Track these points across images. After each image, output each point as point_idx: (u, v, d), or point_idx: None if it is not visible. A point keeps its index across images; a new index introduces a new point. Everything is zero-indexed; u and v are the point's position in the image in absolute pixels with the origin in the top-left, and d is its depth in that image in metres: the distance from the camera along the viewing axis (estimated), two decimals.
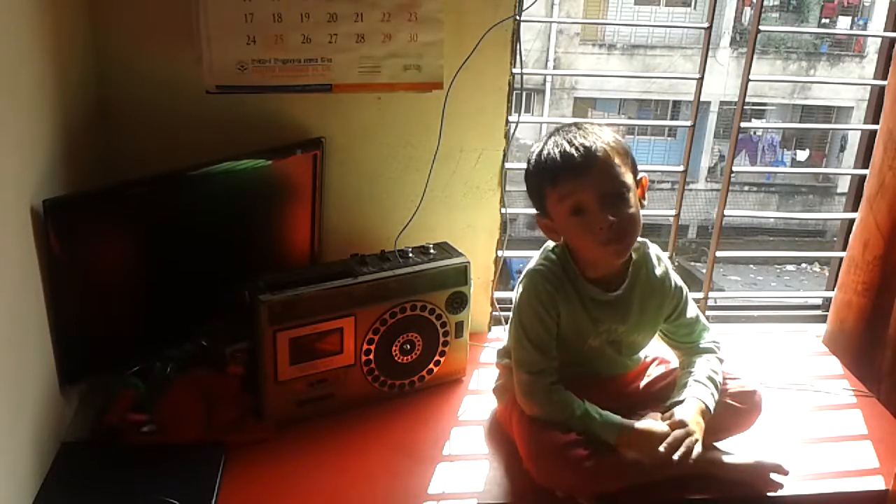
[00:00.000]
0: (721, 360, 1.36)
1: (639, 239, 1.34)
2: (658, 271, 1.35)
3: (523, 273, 1.33)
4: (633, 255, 1.33)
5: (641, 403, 1.35)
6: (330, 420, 1.41)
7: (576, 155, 1.19)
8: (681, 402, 1.26)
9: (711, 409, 1.26)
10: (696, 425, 1.22)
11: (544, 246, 1.35)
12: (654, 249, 1.37)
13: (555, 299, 1.28)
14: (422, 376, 1.52)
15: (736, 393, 1.33)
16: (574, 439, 1.22)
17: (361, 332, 1.41)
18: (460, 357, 1.57)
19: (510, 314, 1.37)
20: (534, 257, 1.35)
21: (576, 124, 1.26)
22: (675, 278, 1.38)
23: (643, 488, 1.23)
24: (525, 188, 1.30)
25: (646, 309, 1.34)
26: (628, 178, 1.22)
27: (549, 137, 1.25)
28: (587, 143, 1.20)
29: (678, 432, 1.20)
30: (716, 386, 1.30)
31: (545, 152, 1.23)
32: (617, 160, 1.21)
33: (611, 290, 1.31)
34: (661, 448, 1.18)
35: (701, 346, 1.38)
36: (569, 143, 1.21)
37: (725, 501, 1.28)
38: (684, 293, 1.39)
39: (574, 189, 1.20)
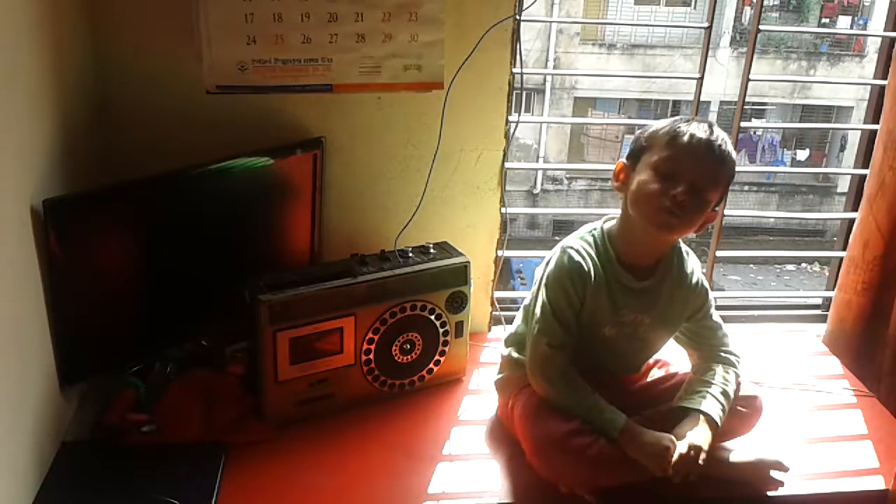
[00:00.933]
0: (738, 376, 1.35)
1: None
2: (687, 268, 1.36)
3: (559, 245, 1.34)
4: (666, 251, 1.34)
5: (641, 404, 1.35)
6: (330, 420, 1.41)
7: (713, 143, 1.23)
8: (691, 409, 1.27)
9: (719, 423, 1.26)
10: (704, 439, 1.22)
11: (585, 225, 1.37)
12: (685, 248, 1.39)
13: (584, 277, 1.29)
14: (422, 376, 1.52)
15: (738, 397, 1.33)
16: (576, 428, 1.22)
17: (361, 332, 1.41)
18: (460, 357, 1.57)
19: (527, 297, 1.39)
20: (573, 233, 1.36)
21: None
22: (703, 278, 1.39)
23: (643, 487, 1.22)
24: (632, 140, 1.32)
25: (672, 302, 1.35)
26: (714, 196, 1.26)
27: (697, 120, 1.27)
28: (726, 148, 1.25)
29: (683, 448, 1.20)
30: (728, 401, 1.30)
31: (686, 123, 1.26)
32: (724, 178, 1.26)
33: (642, 279, 1.32)
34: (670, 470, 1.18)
35: (721, 354, 1.37)
36: (714, 132, 1.25)
37: (726, 501, 1.28)
38: (710, 295, 1.40)
39: (685, 161, 1.23)
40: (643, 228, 1.28)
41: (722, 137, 1.25)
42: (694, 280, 1.37)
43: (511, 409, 1.36)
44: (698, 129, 1.24)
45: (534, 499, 1.27)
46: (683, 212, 1.22)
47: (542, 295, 1.31)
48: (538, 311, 1.32)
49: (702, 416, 1.25)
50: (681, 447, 1.20)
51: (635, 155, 1.29)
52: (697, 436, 1.22)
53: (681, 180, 1.22)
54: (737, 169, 1.29)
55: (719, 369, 1.34)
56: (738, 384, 1.35)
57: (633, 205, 1.28)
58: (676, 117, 1.29)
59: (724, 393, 1.30)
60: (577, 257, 1.29)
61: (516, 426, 1.33)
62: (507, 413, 1.39)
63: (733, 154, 1.27)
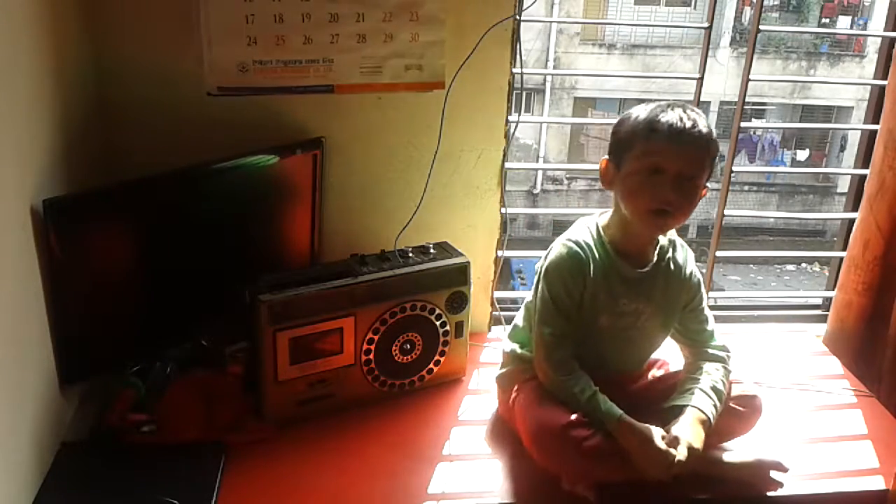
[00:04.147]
0: (729, 371, 1.36)
1: None
2: (681, 258, 1.38)
3: (558, 240, 1.35)
4: (660, 240, 1.35)
5: (641, 404, 1.34)
6: (330, 420, 1.41)
7: (690, 128, 1.22)
8: (683, 407, 1.27)
9: (712, 420, 1.26)
10: (696, 438, 1.22)
11: (581, 219, 1.38)
12: (679, 240, 1.40)
13: (583, 267, 1.30)
14: (422, 376, 1.52)
15: (737, 396, 1.34)
16: (576, 420, 1.23)
17: (361, 332, 1.41)
18: (460, 357, 1.57)
19: (528, 295, 1.39)
20: (570, 228, 1.37)
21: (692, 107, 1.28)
22: (696, 270, 1.40)
23: (642, 486, 1.22)
24: (611, 135, 1.30)
25: (669, 291, 1.36)
26: (705, 174, 1.26)
27: (665, 103, 1.26)
28: (703, 127, 1.23)
29: (676, 448, 1.20)
30: (720, 397, 1.30)
31: (656, 110, 1.24)
32: (710, 157, 1.26)
33: (638, 267, 1.33)
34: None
35: (710, 350, 1.38)
36: (689, 115, 1.23)
37: (725, 501, 1.28)
38: (702, 287, 1.41)
39: (667, 152, 1.22)
40: (637, 223, 1.29)
41: (699, 120, 1.24)
42: (688, 271, 1.38)
43: (512, 402, 1.36)
44: (675, 116, 1.23)
45: (534, 499, 1.27)
46: (676, 208, 1.24)
47: (543, 287, 1.33)
48: (539, 303, 1.33)
49: (693, 413, 1.26)
50: (673, 446, 1.20)
51: (617, 151, 1.28)
52: (689, 434, 1.22)
53: (667, 173, 1.22)
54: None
55: (708, 366, 1.35)
56: (730, 382, 1.34)
57: (624, 204, 1.28)
58: (651, 105, 1.27)
59: (715, 388, 1.30)
60: (575, 248, 1.31)
61: (516, 417, 1.33)
62: (507, 407, 1.39)
63: (712, 131, 1.26)
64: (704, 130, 1.24)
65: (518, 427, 1.33)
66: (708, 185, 1.30)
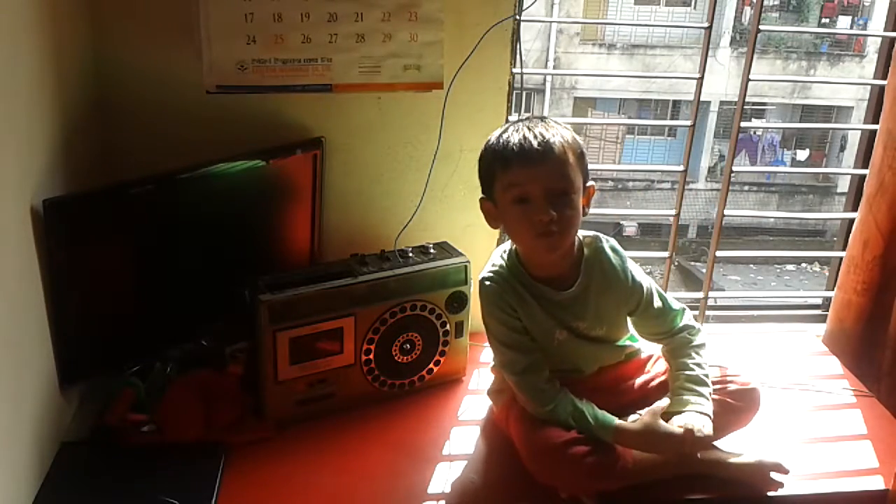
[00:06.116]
0: (703, 345, 1.33)
1: (591, 233, 1.34)
2: (615, 266, 1.33)
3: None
4: (586, 251, 1.32)
5: (642, 401, 1.34)
6: (330, 420, 1.41)
7: (534, 145, 1.19)
8: (679, 413, 1.26)
9: (710, 413, 1.25)
10: (699, 422, 1.22)
11: (496, 250, 1.36)
12: (609, 243, 1.34)
13: (508, 300, 1.28)
14: (422, 376, 1.52)
15: (735, 391, 1.33)
16: (573, 437, 1.21)
17: (361, 332, 1.41)
18: (460, 357, 1.57)
19: None
20: (487, 262, 1.35)
21: (540, 117, 1.26)
22: (635, 272, 1.34)
23: (643, 488, 1.23)
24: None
25: (603, 305, 1.32)
26: (577, 180, 1.22)
27: (511, 125, 1.25)
28: (547, 136, 1.20)
29: (683, 431, 1.20)
30: (706, 384, 1.29)
31: (504, 137, 1.23)
32: (571, 159, 1.21)
33: (563, 289, 1.30)
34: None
35: (678, 336, 1.34)
36: (529, 131, 1.21)
37: (726, 501, 1.28)
38: (646, 286, 1.34)
39: (524, 178, 1.20)
40: (532, 251, 1.28)
41: (547, 131, 1.20)
42: (623, 278, 1.32)
43: (507, 417, 1.36)
44: (518, 138, 1.20)
45: (533, 498, 1.27)
46: (559, 224, 1.20)
47: (488, 332, 1.33)
48: (492, 348, 1.34)
49: (690, 415, 1.25)
50: (678, 429, 1.21)
51: (485, 189, 1.28)
52: (692, 420, 1.22)
53: (536, 197, 1.19)
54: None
55: (686, 359, 1.31)
56: (723, 370, 1.34)
57: (512, 239, 1.28)
58: (499, 129, 1.25)
59: (698, 380, 1.28)
60: (491, 284, 1.30)
61: (513, 435, 1.32)
62: (503, 420, 1.38)
63: (559, 129, 1.22)
64: (554, 139, 1.19)
65: (515, 443, 1.31)
66: (593, 182, 1.27)
